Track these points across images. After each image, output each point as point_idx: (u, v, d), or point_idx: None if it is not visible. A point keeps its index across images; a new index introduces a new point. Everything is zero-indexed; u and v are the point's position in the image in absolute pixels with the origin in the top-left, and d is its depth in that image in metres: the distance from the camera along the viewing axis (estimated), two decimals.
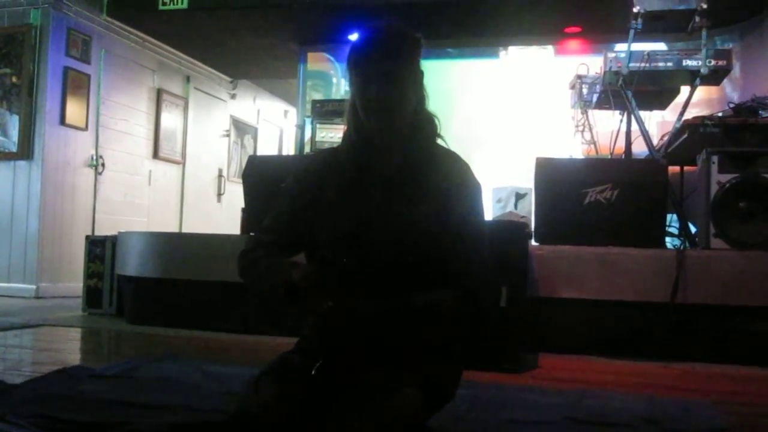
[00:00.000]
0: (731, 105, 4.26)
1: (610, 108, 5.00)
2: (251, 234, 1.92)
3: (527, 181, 4.53)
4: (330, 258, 1.67)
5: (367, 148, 1.78)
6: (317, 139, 6.35)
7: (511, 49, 7.03)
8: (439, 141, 1.85)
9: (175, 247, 4.60)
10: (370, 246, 1.68)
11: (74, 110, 6.59)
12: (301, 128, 7.16)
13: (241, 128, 9.69)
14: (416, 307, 1.66)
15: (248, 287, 1.84)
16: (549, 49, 6.96)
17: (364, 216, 1.72)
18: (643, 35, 4.57)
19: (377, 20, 1.78)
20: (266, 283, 1.74)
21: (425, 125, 1.81)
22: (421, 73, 1.79)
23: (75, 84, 6.60)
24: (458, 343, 1.81)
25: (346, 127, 1.85)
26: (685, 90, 4.69)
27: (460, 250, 1.74)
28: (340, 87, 7.55)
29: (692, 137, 4.17)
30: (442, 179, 1.76)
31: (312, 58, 7.71)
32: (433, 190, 1.74)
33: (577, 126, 5.35)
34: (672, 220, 4.45)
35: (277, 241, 1.82)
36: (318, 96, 7.51)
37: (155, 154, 7.86)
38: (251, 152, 9.72)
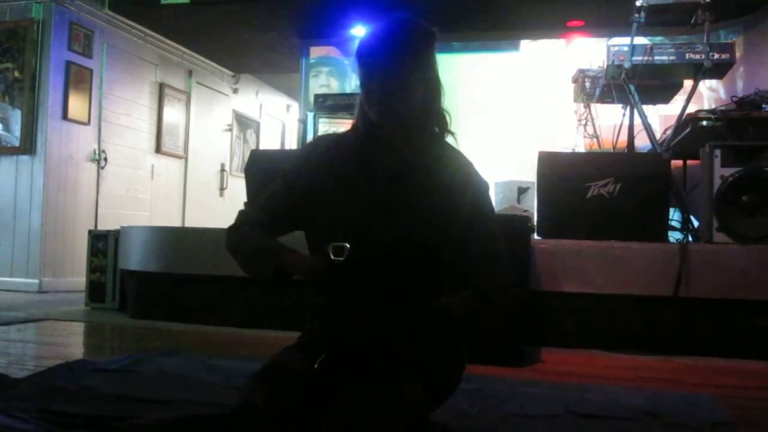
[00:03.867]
0: (734, 98, 4.25)
1: (612, 102, 4.99)
2: (241, 210, 1.87)
3: (530, 175, 4.53)
4: (325, 250, 1.65)
5: (372, 141, 1.76)
6: (320, 133, 6.36)
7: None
8: (450, 138, 1.83)
9: (177, 241, 4.60)
10: (369, 241, 1.67)
11: (76, 105, 6.59)
12: (303, 122, 7.16)
13: (243, 122, 9.68)
14: (420, 310, 1.66)
15: (237, 261, 1.82)
16: (553, 43, 6.95)
17: (365, 209, 1.71)
18: (646, 28, 4.56)
19: (391, 13, 1.75)
20: (254, 263, 1.73)
21: (434, 121, 1.78)
22: (432, 67, 1.76)
23: (77, 78, 6.60)
24: (461, 338, 1.81)
25: (354, 120, 1.83)
26: (688, 84, 4.68)
27: (470, 250, 1.70)
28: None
29: (695, 131, 4.16)
30: (447, 178, 1.73)
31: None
32: (437, 188, 1.71)
33: (579, 120, 5.34)
34: (674, 214, 4.44)
35: (266, 222, 1.79)
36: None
37: (158, 149, 7.87)
38: (253, 147, 9.72)
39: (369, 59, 1.70)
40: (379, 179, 1.73)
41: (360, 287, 1.63)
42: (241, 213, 1.84)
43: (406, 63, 1.68)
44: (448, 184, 1.72)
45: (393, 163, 1.73)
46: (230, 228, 1.81)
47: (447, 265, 1.70)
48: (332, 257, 1.58)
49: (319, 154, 1.82)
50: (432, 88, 1.76)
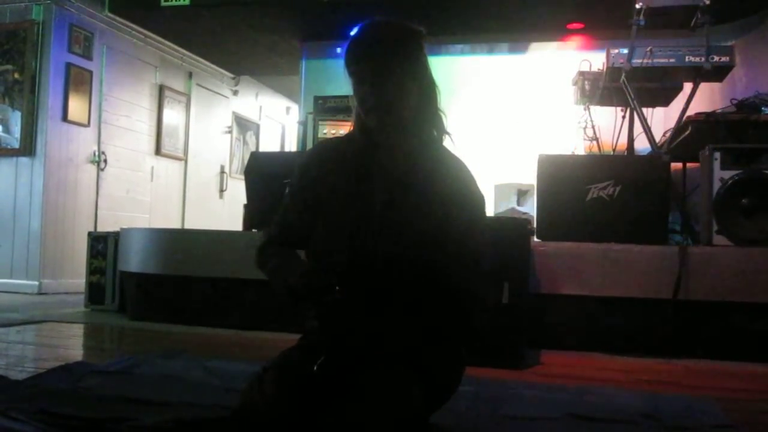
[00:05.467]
0: (734, 101, 4.25)
1: (612, 104, 4.99)
2: (264, 229, 1.90)
3: (529, 178, 4.53)
4: (324, 255, 1.65)
5: (370, 147, 1.76)
6: (319, 135, 6.35)
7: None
8: (446, 138, 1.82)
9: (177, 243, 4.60)
10: (366, 248, 1.67)
11: (76, 106, 6.59)
12: (303, 125, 7.15)
13: (243, 124, 9.69)
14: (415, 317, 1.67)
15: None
16: (553, 45, 6.94)
17: (363, 217, 1.71)
18: (645, 31, 4.56)
19: (373, 16, 1.74)
20: (275, 284, 1.74)
21: (431, 123, 1.78)
22: (424, 67, 1.74)
23: (77, 80, 6.61)
24: (460, 340, 1.81)
25: (352, 124, 1.82)
26: (688, 86, 4.68)
27: (458, 264, 1.71)
28: None
29: (695, 133, 4.16)
30: (446, 187, 1.72)
31: None
32: (436, 197, 1.70)
33: (579, 122, 5.34)
34: (674, 216, 4.44)
35: (284, 238, 1.83)
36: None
37: (157, 151, 7.87)
38: (253, 148, 9.73)
39: (357, 66, 1.69)
40: (377, 186, 1.72)
41: (358, 293, 1.63)
42: (264, 232, 1.87)
43: (394, 66, 1.67)
44: (447, 195, 1.71)
45: (391, 171, 1.73)
46: (257, 248, 1.85)
47: (441, 272, 1.69)
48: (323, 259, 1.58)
49: (318, 164, 1.83)
50: (426, 88, 1.75)
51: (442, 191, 1.71)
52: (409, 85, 1.70)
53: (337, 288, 1.56)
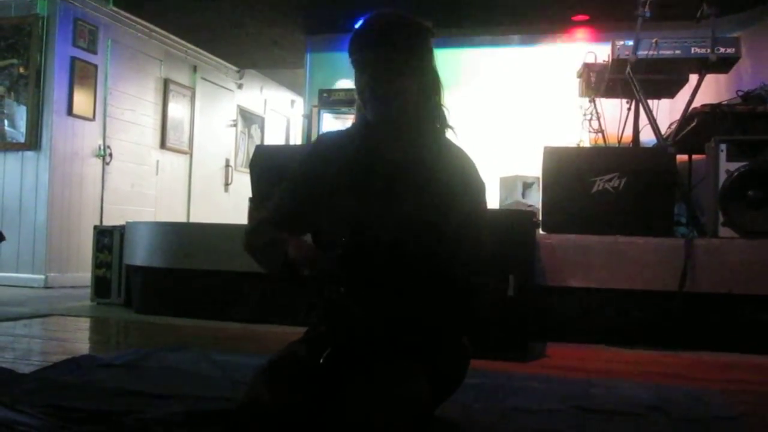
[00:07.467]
0: (740, 93, 4.23)
1: (618, 96, 4.97)
2: (253, 212, 1.89)
3: (534, 170, 4.52)
4: (330, 244, 1.65)
5: (372, 137, 1.76)
6: (324, 128, 6.36)
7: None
8: (449, 132, 1.82)
9: (182, 236, 4.61)
10: (369, 236, 1.67)
11: (81, 100, 6.59)
12: (307, 118, 7.15)
13: (248, 118, 9.69)
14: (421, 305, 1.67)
15: (254, 260, 1.81)
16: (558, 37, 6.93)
17: (365, 207, 1.71)
18: (651, 23, 4.54)
19: (380, 8, 1.75)
20: (266, 258, 1.73)
21: (432, 117, 1.78)
22: (427, 62, 1.74)
23: (82, 74, 6.60)
24: (466, 333, 1.81)
25: (355, 116, 1.84)
26: (693, 78, 4.67)
27: (460, 251, 1.72)
28: None
29: (700, 125, 4.15)
30: (447, 176, 1.73)
31: None
32: (437, 186, 1.71)
33: (585, 114, 5.33)
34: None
35: (278, 221, 1.80)
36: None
37: (162, 144, 7.87)
38: (258, 142, 9.72)
39: (359, 55, 1.70)
40: (379, 176, 1.73)
41: (362, 281, 1.63)
42: (254, 216, 1.86)
43: (395, 59, 1.67)
44: (448, 183, 1.72)
45: (393, 160, 1.73)
46: (246, 230, 1.83)
47: (443, 259, 1.70)
48: (329, 247, 1.58)
49: (321, 153, 1.83)
50: (428, 83, 1.75)
51: (442, 180, 1.72)
52: (409, 78, 1.70)
53: (341, 287, 1.56)
